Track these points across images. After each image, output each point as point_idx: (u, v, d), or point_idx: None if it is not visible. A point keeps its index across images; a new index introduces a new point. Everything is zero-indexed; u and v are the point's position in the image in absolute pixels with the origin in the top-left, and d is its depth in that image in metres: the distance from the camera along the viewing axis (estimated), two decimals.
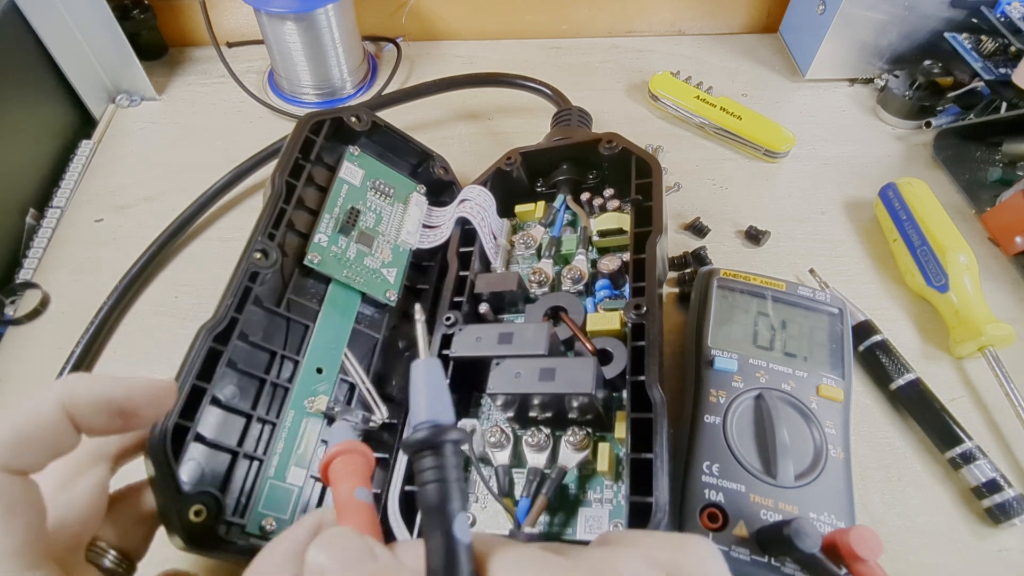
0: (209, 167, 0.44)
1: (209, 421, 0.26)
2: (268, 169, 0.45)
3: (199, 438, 0.25)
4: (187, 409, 0.24)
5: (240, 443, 0.26)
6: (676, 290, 0.38)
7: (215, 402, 0.26)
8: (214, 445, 0.25)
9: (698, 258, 0.39)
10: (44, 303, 0.39)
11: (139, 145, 0.48)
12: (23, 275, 0.40)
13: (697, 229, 0.41)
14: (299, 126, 0.34)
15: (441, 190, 0.40)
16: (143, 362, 0.37)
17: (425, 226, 0.37)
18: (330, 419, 0.29)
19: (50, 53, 0.45)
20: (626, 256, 0.32)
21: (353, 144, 0.36)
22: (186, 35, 0.55)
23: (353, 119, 0.35)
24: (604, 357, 0.28)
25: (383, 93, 0.50)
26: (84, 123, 0.49)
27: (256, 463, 0.27)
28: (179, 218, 0.41)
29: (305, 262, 0.31)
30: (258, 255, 0.29)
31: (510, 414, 0.29)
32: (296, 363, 0.30)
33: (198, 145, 0.48)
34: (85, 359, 0.36)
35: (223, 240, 0.42)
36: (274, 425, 0.28)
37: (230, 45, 0.54)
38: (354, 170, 0.35)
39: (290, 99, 0.51)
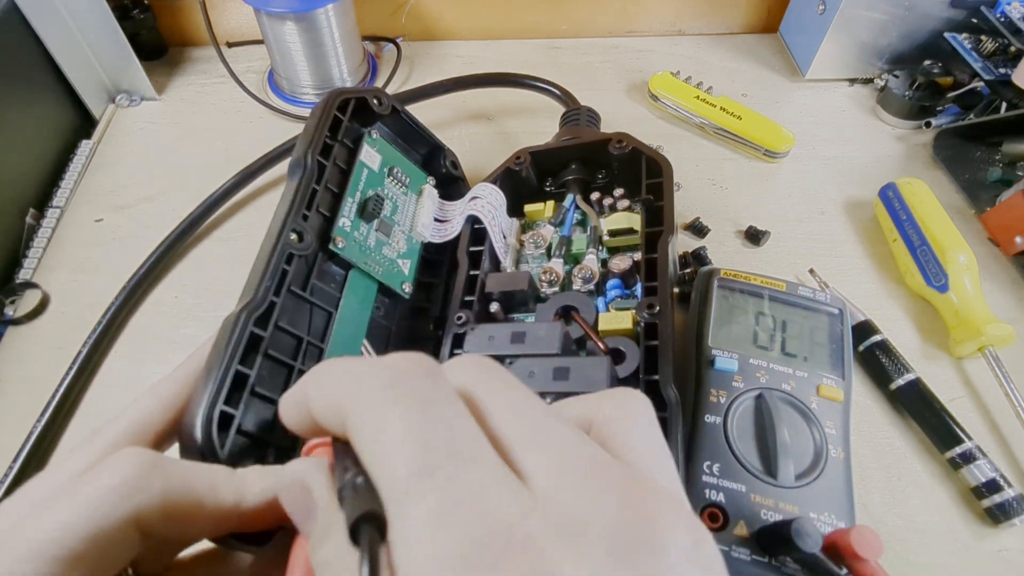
0: (209, 167, 0.44)
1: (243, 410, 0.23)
2: (274, 171, 0.45)
3: (239, 430, 0.22)
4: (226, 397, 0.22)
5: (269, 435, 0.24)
6: (676, 290, 0.38)
7: (252, 391, 0.24)
8: (250, 436, 0.23)
9: (698, 258, 0.39)
10: (44, 303, 0.39)
11: (139, 145, 0.48)
12: (23, 275, 0.40)
13: (697, 229, 0.41)
14: (327, 102, 0.32)
15: (448, 185, 0.39)
16: (144, 363, 0.37)
17: (436, 219, 0.37)
18: None
19: (50, 53, 0.45)
20: (637, 256, 0.32)
21: (370, 127, 0.35)
22: (186, 35, 0.55)
23: (375, 101, 0.34)
24: (616, 356, 0.28)
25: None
26: (84, 123, 0.49)
27: (286, 458, 0.24)
28: (187, 219, 0.41)
29: (330, 246, 0.30)
30: (294, 236, 0.27)
31: None
32: (320, 351, 0.28)
33: (198, 145, 0.48)
34: (90, 361, 0.36)
35: (224, 240, 0.42)
36: None
37: (230, 45, 0.54)
38: (373, 154, 0.34)
39: (290, 99, 0.51)
